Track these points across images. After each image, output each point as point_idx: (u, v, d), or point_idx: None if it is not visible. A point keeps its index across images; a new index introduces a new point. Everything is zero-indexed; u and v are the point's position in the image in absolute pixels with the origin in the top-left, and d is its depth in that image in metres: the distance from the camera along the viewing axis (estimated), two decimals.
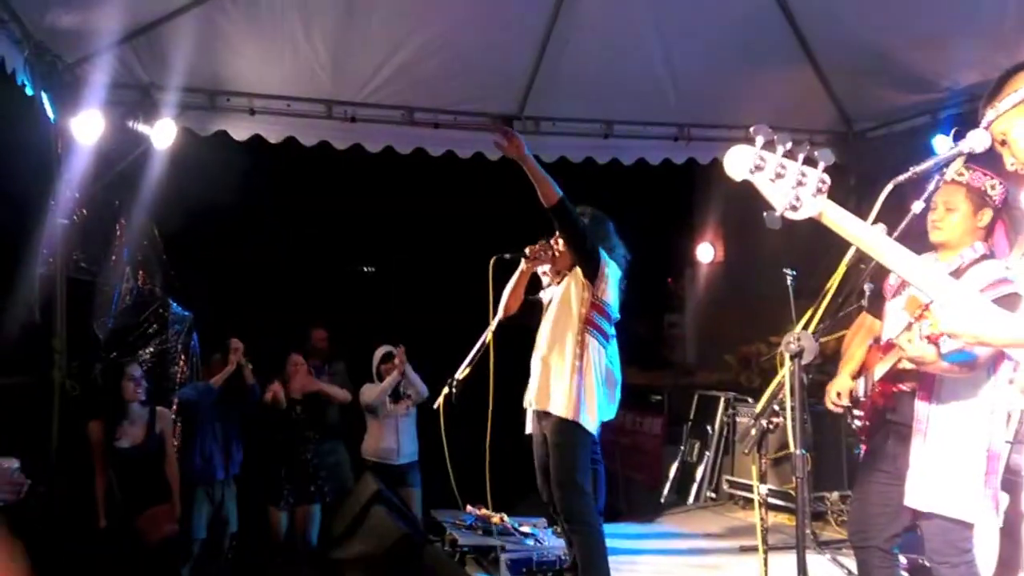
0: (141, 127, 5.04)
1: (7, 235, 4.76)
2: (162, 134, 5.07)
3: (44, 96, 4.60)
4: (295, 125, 5.56)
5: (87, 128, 4.74)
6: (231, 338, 4.98)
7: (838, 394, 2.96)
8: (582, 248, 3.72)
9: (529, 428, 3.96)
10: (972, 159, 2.23)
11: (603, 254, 3.78)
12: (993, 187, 2.76)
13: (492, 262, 3.90)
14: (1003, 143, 1.85)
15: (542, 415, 3.80)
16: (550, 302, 3.94)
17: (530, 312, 4.03)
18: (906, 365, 2.61)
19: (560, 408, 3.67)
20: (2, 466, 3.05)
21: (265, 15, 4.93)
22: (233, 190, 6.67)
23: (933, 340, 2.26)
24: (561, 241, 3.87)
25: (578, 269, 3.79)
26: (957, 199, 2.75)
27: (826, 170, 1.63)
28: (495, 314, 4.01)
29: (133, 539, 4.19)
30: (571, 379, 3.67)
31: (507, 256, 3.96)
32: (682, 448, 6.87)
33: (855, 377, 3.03)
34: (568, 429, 3.67)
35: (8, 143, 4.77)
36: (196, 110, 5.35)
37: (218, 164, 5.90)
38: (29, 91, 4.47)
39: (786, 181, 1.59)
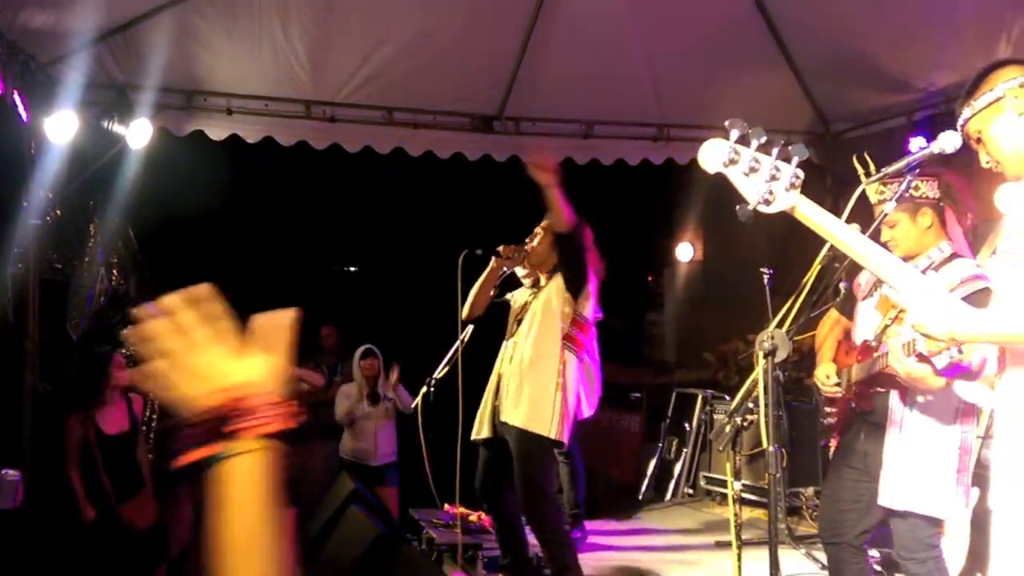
0: (116, 127, 4.99)
1: None
2: (138, 134, 5.03)
3: (16, 96, 4.54)
4: (273, 125, 5.53)
5: (61, 128, 4.68)
6: None
7: (827, 376, 2.98)
8: (578, 269, 3.76)
9: (477, 434, 3.91)
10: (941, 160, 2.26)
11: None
12: (916, 187, 2.78)
13: (461, 257, 3.87)
14: (978, 141, 1.87)
15: (507, 424, 3.77)
16: (524, 307, 3.93)
17: (496, 313, 4.03)
18: (893, 371, 2.63)
19: (540, 426, 3.64)
20: (7, 478, 3.04)
21: (243, 14, 4.91)
22: (209, 191, 6.62)
23: (926, 359, 2.28)
24: (537, 240, 3.88)
25: (560, 280, 3.80)
26: (891, 215, 2.76)
27: (802, 170, 1.65)
28: (462, 310, 3.99)
29: (119, 529, 4.16)
30: (554, 398, 3.67)
31: (478, 252, 3.92)
32: (660, 445, 6.91)
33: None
34: (537, 440, 3.66)
35: None
36: (172, 110, 5.31)
37: (194, 164, 5.85)
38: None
39: (760, 175, 1.61)
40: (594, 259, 3.89)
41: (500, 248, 3.93)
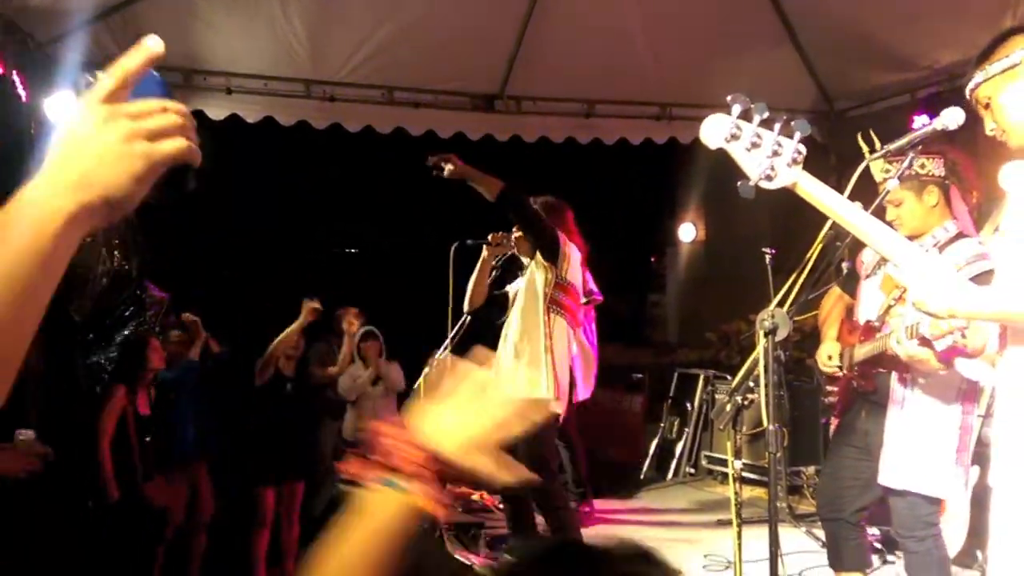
0: None
1: None
2: None
3: (15, 76, 4.51)
4: (273, 104, 5.50)
5: (61, 108, 4.66)
6: (184, 314, 4.95)
7: (829, 356, 2.99)
8: (537, 230, 3.74)
9: None
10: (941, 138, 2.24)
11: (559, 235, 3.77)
12: (923, 165, 2.76)
13: (453, 249, 3.88)
14: (986, 107, 1.82)
15: None
16: (516, 294, 3.96)
17: (495, 306, 4.04)
18: (893, 352, 2.62)
19: (536, 391, 3.67)
20: (20, 437, 3.04)
21: None
22: (209, 171, 6.59)
23: (928, 343, 2.28)
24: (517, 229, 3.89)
25: (539, 255, 3.80)
26: (896, 193, 2.75)
27: (804, 146, 1.63)
28: (456, 300, 3.99)
29: (141, 508, 4.20)
30: (544, 362, 3.69)
31: (469, 243, 3.94)
32: (662, 425, 6.94)
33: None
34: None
35: None
36: (171, 89, 5.27)
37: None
38: None
39: (762, 151, 1.59)
40: (577, 238, 3.89)
41: (489, 236, 3.95)
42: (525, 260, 4.02)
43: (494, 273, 4.12)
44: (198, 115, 5.37)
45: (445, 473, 0.87)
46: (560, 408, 3.75)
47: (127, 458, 4.21)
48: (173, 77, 5.25)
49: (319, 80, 5.52)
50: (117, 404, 4.22)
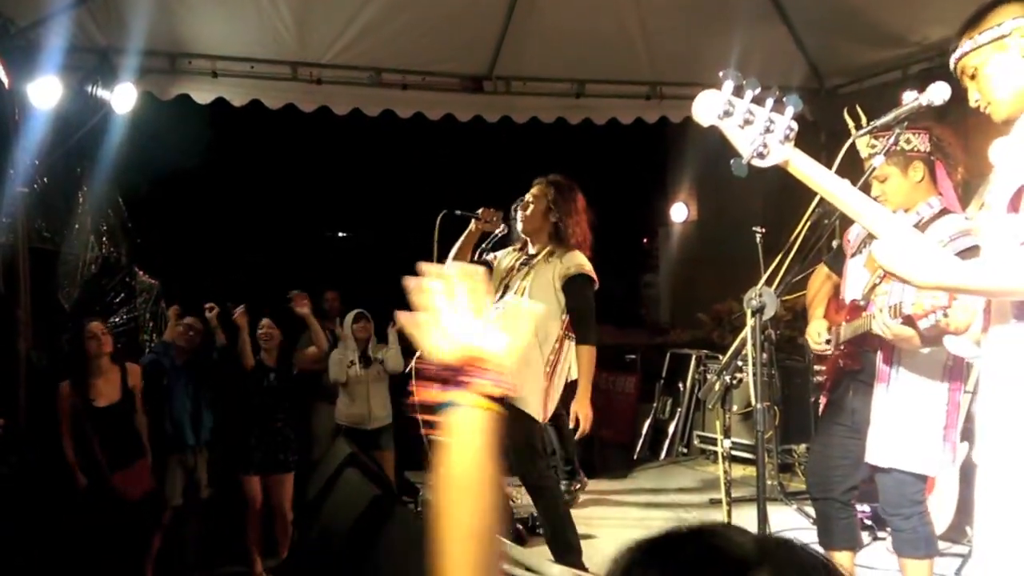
0: (100, 92, 4.91)
1: None
2: (122, 99, 4.94)
3: None
4: (259, 87, 5.44)
5: (44, 94, 4.60)
6: (207, 303, 4.93)
7: (819, 334, 2.98)
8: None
9: None
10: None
11: (588, 277, 3.67)
12: (908, 140, 2.74)
13: (440, 217, 3.74)
14: (973, 77, 1.78)
15: None
16: (511, 272, 3.78)
17: None
18: (881, 333, 2.62)
19: (523, 404, 3.57)
20: None
21: None
22: (197, 155, 6.55)
23: (912, 322, 2.26)
24: (530, 209, 3.77)
25: (561, 270, 3.67)
26: (882, 169, 2.72)
27: (796, 123, 1.61)
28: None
29: (112, 498, 4.20)
30: (540, 383, 3.60)
31: (457, 213, 3.77)
32: (655, 405, 6.95)
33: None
34: (520, 410, 3.60)
35: None
36: (156, 73, 5.22)
37: (181, 128, 5.78)
38: None
39: (754, 128, 1.57)
40: (584, 222, 3.77)
41: (480, 211, 3.78)
42: (535, 245, 3.80)
43: (481, 251, 3.98)
44: (184, 99, 5.31)
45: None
46: (545, 417, 3.70)
47: (89, 451, 4.20)
48: (158, 61, 5.19)
49: (306, 62, 5.47)
50: (63, 400, 4.22)
